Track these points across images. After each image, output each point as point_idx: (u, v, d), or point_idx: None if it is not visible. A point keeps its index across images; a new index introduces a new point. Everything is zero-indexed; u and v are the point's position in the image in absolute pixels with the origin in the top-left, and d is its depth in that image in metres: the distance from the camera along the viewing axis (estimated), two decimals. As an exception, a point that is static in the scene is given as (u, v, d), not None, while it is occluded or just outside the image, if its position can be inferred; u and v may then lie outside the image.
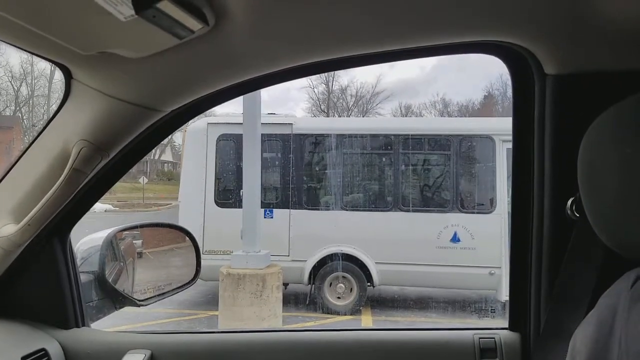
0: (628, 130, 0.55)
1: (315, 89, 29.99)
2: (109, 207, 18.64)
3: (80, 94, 0.93)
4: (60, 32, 0.74)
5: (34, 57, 0.89)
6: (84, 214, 1.15)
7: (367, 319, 6.47)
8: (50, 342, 1.09)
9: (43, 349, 1.05)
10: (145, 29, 0.70)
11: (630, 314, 0.55)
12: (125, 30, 0.71)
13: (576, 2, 0.76)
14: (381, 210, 6.87)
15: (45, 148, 0.99)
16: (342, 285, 6.69)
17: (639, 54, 0.87)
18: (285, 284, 6.53)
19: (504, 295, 6.18)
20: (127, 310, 1.35)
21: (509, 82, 1.10)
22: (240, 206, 5.69)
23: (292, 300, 6.92)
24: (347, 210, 6.91)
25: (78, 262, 1.23)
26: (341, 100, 31.14)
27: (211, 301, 6.58)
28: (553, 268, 0.99)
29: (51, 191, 0.95)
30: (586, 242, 0.83)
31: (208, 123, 7.03)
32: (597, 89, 0.91)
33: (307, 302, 6.84)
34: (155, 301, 1.35)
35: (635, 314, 0.55)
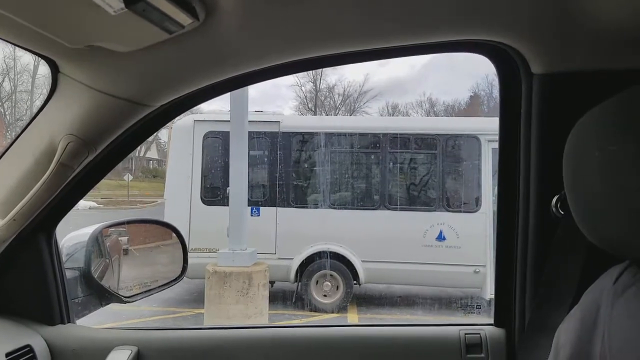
0: (613, 129, 0.55)
1: (302, 87, 29.95)
2: (93, 204, 18.35)
3: (67, 88, 0.92)
4: (48, 25, 0.73)
5: (18, 51, 0.87)
6: (70, 209, 1.14)
7: (353, 317, 6.50)
8: (35, 338, 1.08)
9: (28, 345, 1.04)
10: (135, 22, 0.69)
11: (613, 309, 0.56)
12: (114, 23, 0.70)
13: (563, 2, 0.77)
14: (368, 209, 6.90)
15: (32, 143, 0.97)
16: (328, 283, 6.71)
17: (624, 53, 0.88)
18: (272, 282, 6.52)
19: (489, 293, 6.26)
20: (112, 307, 1.34)
21: (495, 82, 1.11)
22: (226, 204, 5.66)
23: (279, 298, 6.91)
24: (334, 208, 6.92)
25: (64, 258, 1.21)
26: (329, 99, 31.15)
27: (197, 299, 6.53)
28: (538, 264, 1.01)
29: (37, 186, 0.93)
30: (571, 239, 0.84)
31: (195, 120, 6.97)
32: (584, 88, 0.92)
33: (294, 300, 6.84)
34: (141, 298, 1.33)
35: (618, 309, 0.56)
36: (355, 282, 6.71)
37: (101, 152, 1.03)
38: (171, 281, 1.40)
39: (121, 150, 1.08)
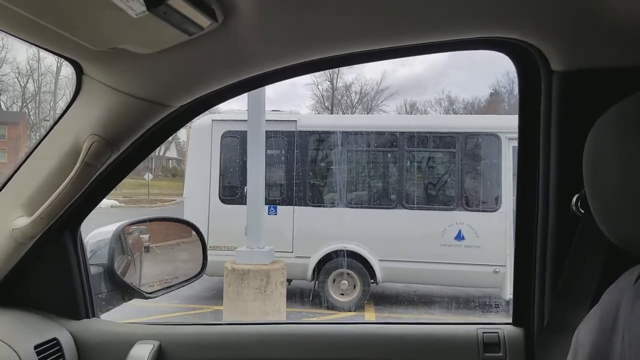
0: (633, 126, 0.55)
1: (319, 86, 29.94)
2: (114, 202, 18.75)
3: (91, 89, 0.95)
4: (72, 28, 0.75)
5: (41, 53, 0.90)
6: (94, 207, 1.17)
7: (370, 316, 6.48)
8: (61, 331, 1.11)
9: (55, 339, 1.07)
10: (156, 25, 0.71)
11: (633, 309, 0.56)
12: (136, 26, 0.72)
13: None
14: (385, 208, 6.86)
15: (57, 143, 1.00)
16: (345, 281, 6.70)
17: None
18: (289, 280, 6.55)
19: (508, 293, 6.17)
20: (134, 304, 1.37)
21: (516, 79, 1.10)
22: (244, 202, 5.70)
23: (296, 296, 6.94)
24: (351, 207, 6.90)
25: (88, 254, 1.25)
26: (345, 98, 31.08)
27: (215, 296, 6.62)
28: (557, 264, 0.99)
29: (63, 185, 0.96)
30: (591, 238, 0.83)
31: (213, 120, 7.04)
32: (604, 86, 0.90)
33: (311, 298, 6.86)
34: (162, 294, 1.36)
35: (638, 309, 0.55)
36: (372, 280, 6.69)
37: (124, 152, 1.05)
38: (191, 278, 1.42)
39: (143, 149, 1.11)
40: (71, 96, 1.00)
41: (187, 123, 1.15)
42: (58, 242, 1.15)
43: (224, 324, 1.25)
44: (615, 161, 0.56)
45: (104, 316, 1.25)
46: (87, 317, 1.19)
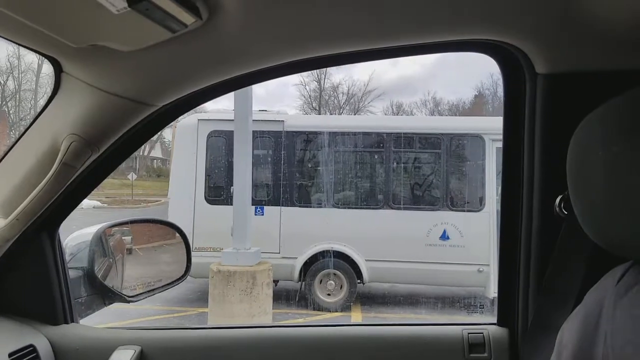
0: (617, 129, 0.55)
1: (307, 87, 29.93)
2: (97, 203, 18.44)
3: (71, 87, 0.92)
4: (51, 25, 0.73)
5: (22, 50, 0.88)
6: (73, 209, 1.14)
7: (357, 316, 6.50)
8: (38, 338, 1.08)
9: (31, 345, 1.04)
10: (138, 22, 0.69)
11: (615, 309, 0.56)
12: (117, 22, 0.70)
13: (568, 2, 0.76)
14: (372, 208, 6.89)
15: (34, 142, 0.97)
16: (332, 282, 6.71)
17: (629, 54, 0.88)
18: (276, 281, 6.53)
19: (492, 292, 6.25)
20: (116, 307, 1.34)
21: (500, 81, 1.11)
22: (230, 203, 5.67)
23: (283, 297, 6.92)
24: (337, 207, 6.92)
25: (67, 257, 1.22)
26: (333, 98, 31.13)
27: (200, 298, 6.55)
28: (541, 264, 1.00)
29: (40, 186, 0.94)
30: (574, 239, 0.84)
31: (198, 119, 6.99)
32: (588, 88, 0.92)
33: (297, 299, 6.85)
34: (145, 297, 1.34)
35: (620, 310, 0.56)
36: (359, 281, 6.71)
37: (104, 152, 1.03)
38: (175, 280, 1.40)
39: (124, 149, 1.08)
40: (49, 94, 0.97)
41: (170, 123, 1.13)
42: (35, 245, 1.12)
43: (208, 328, 1.23)
44: (599, 164, 0.56)
45: (84, 321, 1.22)
46: (66, 322, 1.16)
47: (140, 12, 0.67)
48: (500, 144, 1.13)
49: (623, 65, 0.90)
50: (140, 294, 1.34)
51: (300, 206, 6.89)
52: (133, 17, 0.68)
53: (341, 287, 6.72)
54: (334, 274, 6.71)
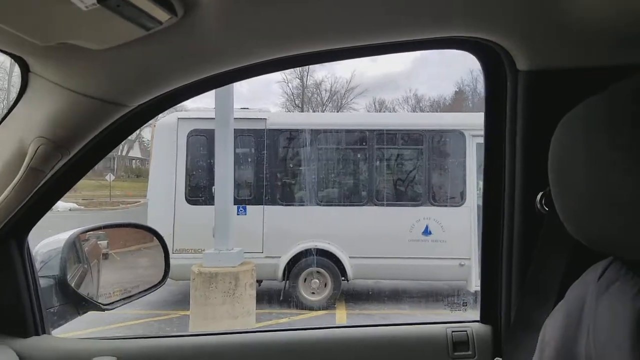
0: (598, 126, 0.55)
1: (289, 84, 29.83)
2: (73, 205, 18.01)
3: (38, 88, 0.88)
4: (16, 22, 0.69)
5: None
6: (43, 215, 1.09)
7: (341, 314, 6.51)
8: (6, 352, 1.03)
9: None
10: (109, 19, 0.66)
11: (597, 305, 0.56)
12: (86, 20, 0.67)
13: None
14: (355, 205, 6.91)
15: (0, 145, 0.92)
16: (316, 280, 6.71)
17: (610, 51, 0.89)
18: (260, 281, 6.49)
19: (474, 285, 6.35)
20: (93, 312, 1.30)
21: (479, 78, 1.11)
22: (212, 203, 5.60)
23: (267, 297, 6.89)
24: (321, 205, 6.91)
25: (37, 265, 1.17)
26: (315, 95, 31.11)
27: (182, 301, 6.47)
28: (523, 261, 1.01)
29: (7, 191, 0.89)
30: (555, 235, 0.84)
31: (178, 118, 6.89)
32: (569, 85, 0.92)
33: (281, 299, 6.82)
34: (122, 304, 1.29)
35: (602, 306, 0.56)
36: (343, 278, 6.72)
37: (75, 155, 0.99)
38: (153, 286, 1.36)
39: (97, 152, 1.04)
40: (16, 95, 0.92)
41: (146, 123, 1.10)
42: (3, 253, 1.07)
43: (188, 336, 1.19)
44: (581, 161, 0.56)
45: (57, 332, 1.17)
46: (37, 334, 1.11)
47: (111, 9, 0.64)
48: (480, 140, 1.13)
49: (604, 61, 0.90)
50: (117, 301, 1.30)
51: (283, 205, 6.86)
52: (103, 14, 0.65)
53: (325, 285, 6.72)
54: (318, 272, 6.71)
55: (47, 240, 1.24)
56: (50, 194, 1.05)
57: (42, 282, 1.15)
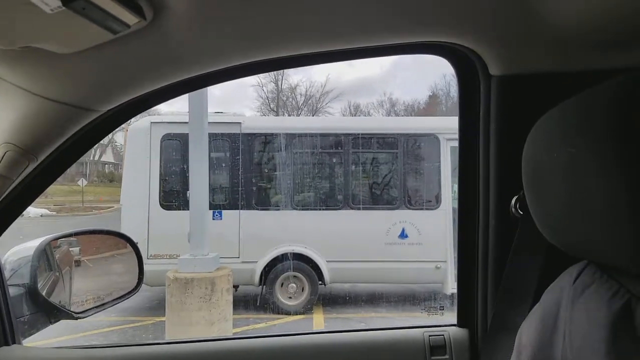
0: (570, 131, 0.55)
1: (264, 88, 29.67)
2: (45, 211, 17.40)
3: (4, 92, 0.85)
4: None
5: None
6: (11, 222, 1.05)
7: (319, 318, 6.49)
8: None
9: None
10: (75, 22, 0.65)
11: (573, 308, 0.56)
12: (52, 23, 0.65)
13: (520, 4, 0.78)
14: (331, 209, 6.92)
15: None
16: (293, 285, 6.67)
17: (582, 55, 0.90)
18: (236, 286, 6.41)
19: (450, 288, 6.42)
20: (66, 320, 1.26)
21: (453, 82, 1.13)
22: (187, 208, 5.51)
23: (243, 302, 6.81)
24: (297, 209, 6.89)
25: (7, 274, 1.12)
26: (291, 99, 31.04)
27: (157, 307, 6.33)
28: (499, 265, 1.01)
29: None
30: (530, 239, 0.85)
31: (151, 122, 6.75)
32: (542, 90, 0.93)
33: (258, 304, 6.76)
34: (94, 312, 1.26)
35: (578, 309, 0.55)
36: (320, 282, 6.71)
37: (44, 161, 0.96)
38: (127, 293, 1.33)
39: (67, 158, 1.01)
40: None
41: (116, 128, 1.07)
42: None
43: (164, 343, 1.17)
44: (554, 165, 0.56)
45: (28, 341, 1.13)
46: (7, 344, 1.07)
47: (77, 11, 0.63)
48: (454, 143, 1.14)
49: (576, 66, 0.91)
50: (90, 309, 1.26)
51: (259, 209, 6.81)
52: (69, 18, 0.63)
53: (303, 290, 6.69)
54: (295, 277, 6.67)
55: (16, 248, 1.20)
56: (19, 201, 1.02)
57: (12, 291, 1.11)
